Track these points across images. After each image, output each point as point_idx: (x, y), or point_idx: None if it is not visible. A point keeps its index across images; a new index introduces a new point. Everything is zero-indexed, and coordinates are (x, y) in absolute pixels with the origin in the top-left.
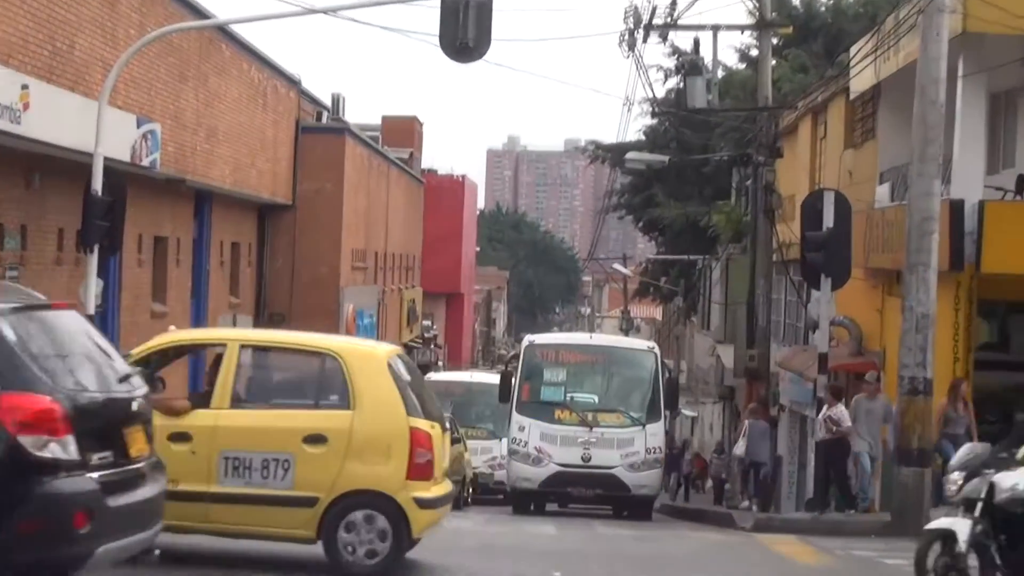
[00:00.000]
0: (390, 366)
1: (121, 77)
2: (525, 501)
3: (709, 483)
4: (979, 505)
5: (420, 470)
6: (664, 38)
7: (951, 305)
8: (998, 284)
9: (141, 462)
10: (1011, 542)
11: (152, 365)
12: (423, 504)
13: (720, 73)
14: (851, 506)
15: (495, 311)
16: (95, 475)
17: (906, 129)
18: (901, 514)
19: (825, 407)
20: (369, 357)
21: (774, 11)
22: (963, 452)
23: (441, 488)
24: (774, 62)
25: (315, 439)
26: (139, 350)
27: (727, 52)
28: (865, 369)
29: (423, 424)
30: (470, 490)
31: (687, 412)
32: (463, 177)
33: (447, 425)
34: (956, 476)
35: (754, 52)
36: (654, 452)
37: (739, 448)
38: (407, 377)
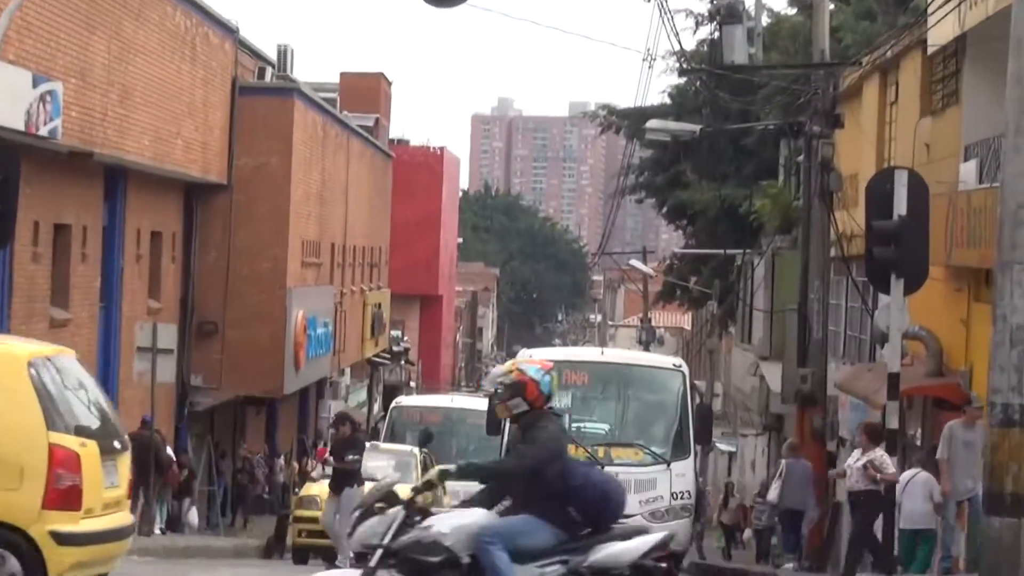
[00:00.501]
0: (32, 369)
1: (13, 24)
2: None
3: (747, 533)
4: (378, 552)
5: (62, 497)
6: None
7: None
8: None
9: None
10: None
11: None
12: (66, 540)
13: (765, 20)
14: (889, 570)
15: (482, 318)
16: None
17: (998, 92)
18: (993, 575)
19: (858, 451)
20: (3, 358)
21: None
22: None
23: (100, 522)
24: (832, 6)
25: None
26: None
27: None
28: (947, 392)
29: (69, 441)
30: None
31: (723, 447)
32: (442, 150)
33: (121, 444)
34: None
35: None
36: (682, 497)
37: (772, 493)
38: (57, 384)
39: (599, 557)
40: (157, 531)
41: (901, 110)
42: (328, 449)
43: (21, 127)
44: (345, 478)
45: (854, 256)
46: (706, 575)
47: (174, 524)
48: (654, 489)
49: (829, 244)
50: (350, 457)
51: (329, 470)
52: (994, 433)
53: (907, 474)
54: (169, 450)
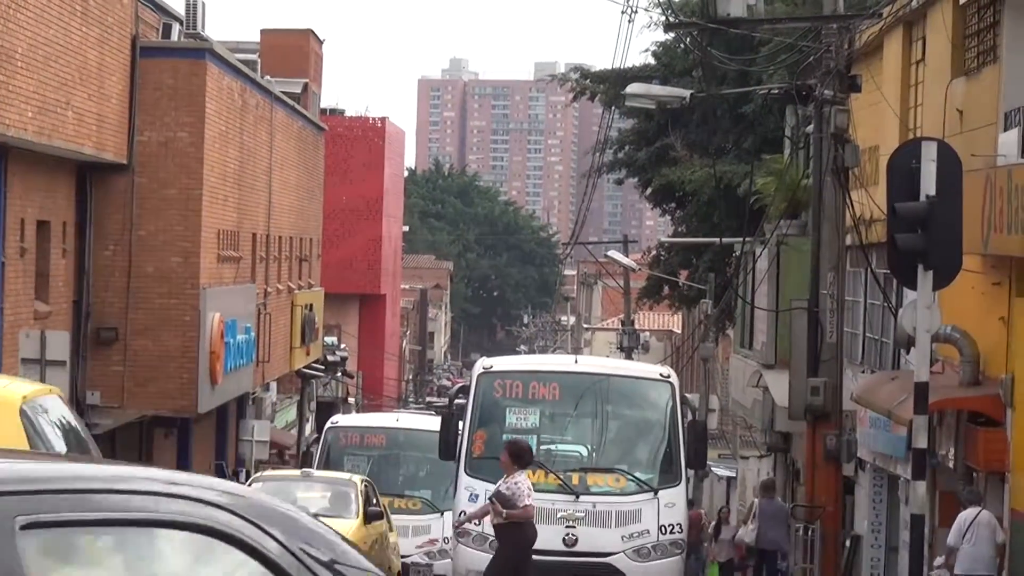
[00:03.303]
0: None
1: None
2: None
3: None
4: None
5: None
6: None
7: None
8: None
9: None
10: None
11: None
12: None
13: None
14: None
15: (433, 322)
16: None
17: None
18: None
19: (503, 478)
20: None
21: None
22: None
23: None
24: None
25: None
26: None
27: None
28: (984, 405)
29: None
30: None
31: (720, 471)
32: (383, 121)
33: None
34: None
35: None
36: (671, 531)
37: (747, 533)
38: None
39: None
40: None
41: (929, 71)
42: None
43: None
44: None
45: (874, 244)
46: None
47: None
48: (639, 522)
49: (844, 230)
50: None
51: None
52: None
53: (967, 514)
54: None
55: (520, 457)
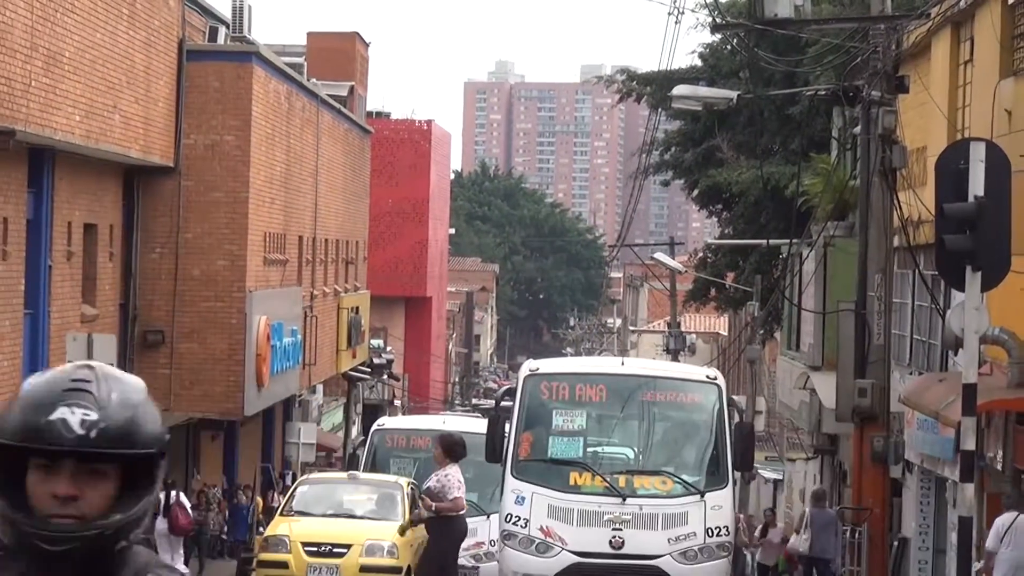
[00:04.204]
0: None
1: None
2: None
3: None
4: None
5: None
6: None
7: None
8: None
9: None
10: None
11: None
12: None
13: None
14: None
15: (479, 324)
16: None
17: None
18: None
19: (436, 470)
20: None
21: None
22: None
23: None
24: None
25: None
26: None
27: None
28: None
29: None
30: None
31: (767, 473)
32: (429, 123)
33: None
34: None
35: None
36: (718, 533)
37: (801, 543)
38: None
39: None
40: None
41: (977, 71)
42: None
43: None
44: None
45: (922, 245)
46: None
47: None
48: (685, 524)
49: (892, 231)
50: None
51: None
52: None
53: (1005, 518)
54: (182, 496)
55: (452, 450)
